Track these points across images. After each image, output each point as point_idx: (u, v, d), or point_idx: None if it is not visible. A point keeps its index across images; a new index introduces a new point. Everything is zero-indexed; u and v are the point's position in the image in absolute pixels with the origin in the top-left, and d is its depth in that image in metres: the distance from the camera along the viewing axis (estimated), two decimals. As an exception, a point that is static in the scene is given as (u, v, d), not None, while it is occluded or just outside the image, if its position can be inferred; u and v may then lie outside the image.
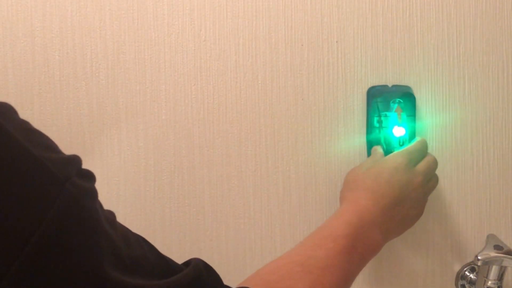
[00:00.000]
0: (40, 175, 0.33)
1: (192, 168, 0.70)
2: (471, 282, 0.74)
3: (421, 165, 0.66)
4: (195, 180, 0.70)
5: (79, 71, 0.68)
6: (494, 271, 0.70)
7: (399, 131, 0.70)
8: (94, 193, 0.37)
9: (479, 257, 0.69)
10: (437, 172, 0.72)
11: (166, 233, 0.71)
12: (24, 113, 0.68)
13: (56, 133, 0.68)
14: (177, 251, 0.70)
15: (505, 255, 0.69)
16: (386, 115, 0.70)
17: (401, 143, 0.69)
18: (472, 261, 0.74)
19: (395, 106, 0.70)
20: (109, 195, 0.69)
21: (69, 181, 0.34)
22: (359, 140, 0.73)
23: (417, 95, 0.73)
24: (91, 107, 0.68)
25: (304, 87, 0.71)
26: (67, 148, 0.74)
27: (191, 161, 0.69)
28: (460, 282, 0.75)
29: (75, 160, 0.37)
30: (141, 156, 0.69)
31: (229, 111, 0.69)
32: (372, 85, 0.72)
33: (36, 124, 0.68)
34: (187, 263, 0.44)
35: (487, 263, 0.69)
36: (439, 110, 0.74)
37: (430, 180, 0.67)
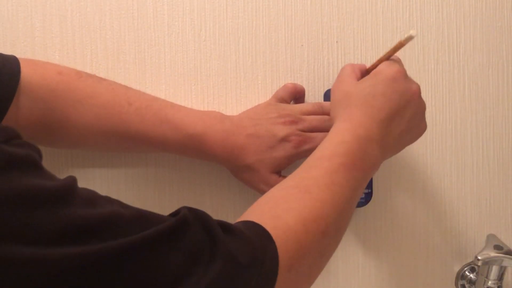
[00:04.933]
0: None
1: (193, 168, 0.69)
2: (471, 282, 0.74)
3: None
4: (195, 179, 0.70)
5: None
6: (494, 271, 0.70)
7: None
8: (29, 162, 0.34)
9: (479, 257, 0.68)
10: (437, 172, 0.72)
11: None
12: None
13: (56, 133, 0.67)
14: None
15: (505, 255, 0.68)
16: None
17: None
18: (472, 261, 0.74)
19: None
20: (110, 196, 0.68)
21: None
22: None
23: None
24: None
25: (304, 87, 0.70)
26: (66, 150, 0.73)
27: (191, 161, 0.69)
28: (460, 282, 0.75)
29: (6, 130, 0.35)
30: (141, 156, 0.69)
31: (229, 111, 0.69)
32: None
33: None
34: (175, 213, 0.41)
35: (487, 263, 0.69)
36: (439, 110, 0.74)
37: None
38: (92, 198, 0.37)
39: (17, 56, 0.58)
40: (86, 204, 0.35)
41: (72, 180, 0.37)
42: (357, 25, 0.71)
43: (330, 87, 0.70)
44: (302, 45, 0.70)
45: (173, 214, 0.41)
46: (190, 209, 0.41)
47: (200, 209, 0.42)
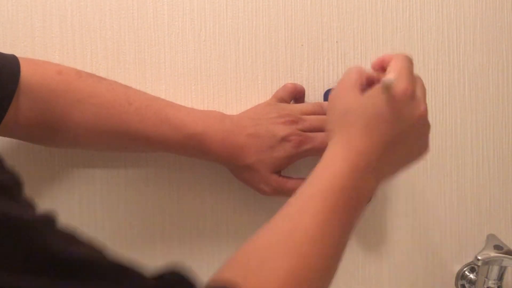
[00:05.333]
0: None
1: (193, 168, 0.70)
2: (471, 282, 0.74)
3: (419, 89, 0.53)
4: (195, 179, 0.70)
5: None
6: (494, 271, 0.70)
7: None
8: (7, 189, 0.33)
9: (479, 257, 0.69)
10: (437, 172, 0.72)
11: (166, 235, 0.70)
12: None
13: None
14: (177, 249, 0.71)
15: (505, 255, 0.69)
16: None
17: None
18: (472, 261, 0.74)
19: None
20: (110, 196, 0.69)
21: None
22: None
23: None
24: None
25: (304, 87, 0.70)
26: (66, 149, 0.74)
27: (191, 161, 0.69)
28: (460, 282, 0.75)
29: None
30: (141, 157, 0.69)
31: (229, 111, 0.69)
32: None
33: None
34: (159, 276, 0.37)
35: (487, 263, 0.69)
36: (439, 110, 0.74)
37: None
38: (72, 236, 0.35)
39: (17, 56, 0.59)
40: (63, 240, 0.34)
41: (52, 215, 0.35)
42: (357, 25, 0.71)
43: (330, 87, 0.70)
44: (302, 45, 0.70)
45: (157, 276, 0.37)
46: (175, 276, 0.37)
47: (189, 272, 0.38)
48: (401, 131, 0.51)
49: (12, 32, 0.66)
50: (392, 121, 0.50)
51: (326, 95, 0.69)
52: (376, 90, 0.51)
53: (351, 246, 0.72)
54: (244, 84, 0.70)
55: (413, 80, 0.52)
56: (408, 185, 0.74)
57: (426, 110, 0.52)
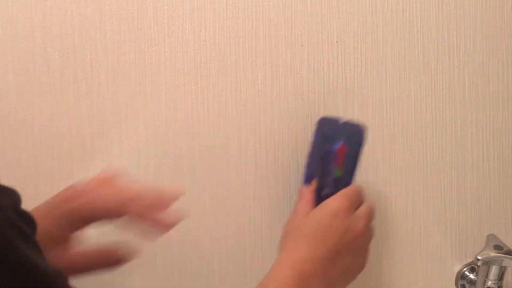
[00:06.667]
0: None
1: (193, 168, 0.70)
2: (471, 282, 0.75)
3: (362, 210, 0.62)
4: (195, 180, 0.71)
5: (79, 71, 0.68)
6: (494, 271, 0.71)
7: (338, 171, 0.66)
8: (27, 236, 0.35)
9: (479, 257, 0.70)
10: (437, 172, 0.73)
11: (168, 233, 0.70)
12: (24, 114, 0.68)
13: (56, 134, 0.68)
14: (178, 249, 0.71)
15: (505, 255, 0.70)
16: (329, 152, 0.67)
17: (336, 184, 0.66)
18: (472, 261, 0.75)
19: (339, 144, 0.67)
20: None
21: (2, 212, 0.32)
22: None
23: (416, 95, 0.74)
24: (91, 107, 0.69)
25: (304, 87, 0.72)
26: (67, 148, 0.75)
27: (191, 160, 0.70)
28: (460, 282, 0.76)
29: (13, 194, 0.36)
30: (141, 157, 0.70)
31: (229, 111, 0.70)
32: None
33: (36, 124, 0.68)
34: None
35: (487, 263, 0.70)
36: (439, 110, 0.75)
37: (370, 227, 0.64)
38: None
39: (17, 56, 0.59)
40: None
41: (65, 274, 0.37)
42: (357, 25, 0.72)
43: (324, 115, 0.69)
44: (302, 45, 0.71)
45: None
46: None
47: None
48: (340, 241, 0.59)
49: (12, 32, 0.67)
50: (331, 232, 0.58)
51: (321, 123, 0.68)
52: (318, 207, 0.61)
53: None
54: (244, 84, 0.70)
55: (349, 202, 0.61)
56: (408, 186, 0.75)
57: (363, 228, 0.60)
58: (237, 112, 0.70)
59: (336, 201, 0.61)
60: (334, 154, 0.66)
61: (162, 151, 0.70)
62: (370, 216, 0.62)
